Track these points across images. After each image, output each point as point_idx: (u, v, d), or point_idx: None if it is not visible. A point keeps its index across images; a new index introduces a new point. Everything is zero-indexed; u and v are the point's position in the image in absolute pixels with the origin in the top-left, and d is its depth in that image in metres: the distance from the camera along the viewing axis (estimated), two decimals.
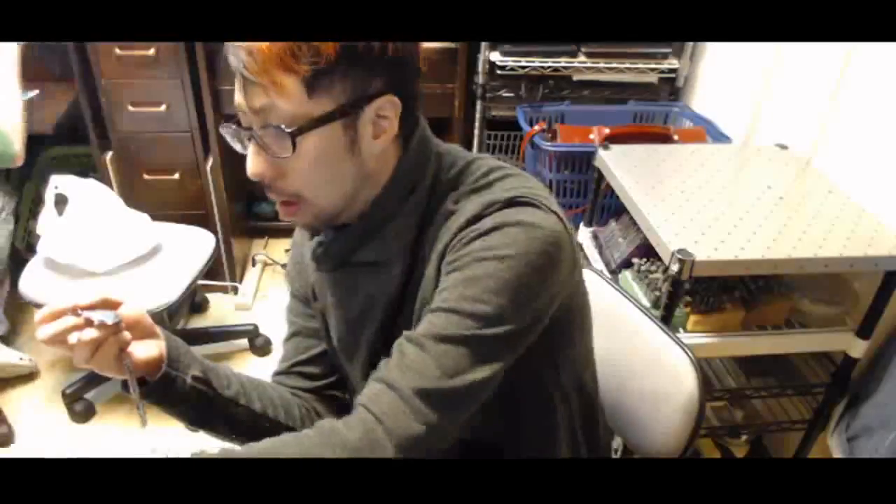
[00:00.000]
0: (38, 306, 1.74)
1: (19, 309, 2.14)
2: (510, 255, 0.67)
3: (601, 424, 0.95)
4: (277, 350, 2.14)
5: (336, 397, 0.95)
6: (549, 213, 0.71)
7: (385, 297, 0.78)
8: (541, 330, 0.73)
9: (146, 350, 0.76)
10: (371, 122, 0.70)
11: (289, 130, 0.66)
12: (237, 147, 0.74)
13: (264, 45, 0.64)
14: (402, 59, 0.69)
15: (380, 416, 0.65)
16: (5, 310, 2.02)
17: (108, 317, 0.71)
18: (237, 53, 0.66)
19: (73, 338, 0.69)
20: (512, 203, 0.70)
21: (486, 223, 0.69)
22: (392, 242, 0.76)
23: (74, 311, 0.70)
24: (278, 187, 0.72)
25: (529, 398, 0.80)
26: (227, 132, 0.73)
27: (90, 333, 0.70)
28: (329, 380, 0.94)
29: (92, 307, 0.71)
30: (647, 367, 1.00)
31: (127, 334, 0.74)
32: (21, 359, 1.98)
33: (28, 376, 2.00)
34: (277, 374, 0.95)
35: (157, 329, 0.79)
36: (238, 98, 0.68)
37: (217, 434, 0.86)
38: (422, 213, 0.75)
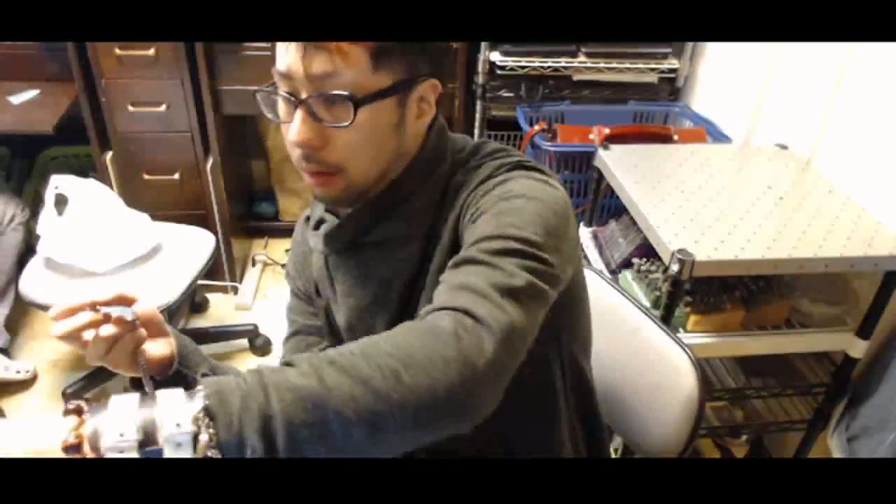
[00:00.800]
0: (38, 306, 1.76)
1: (17, 310, 2.14)
2: (534, 196, 0.69)
3: (599, 416, 0.94)
4: (277, 350, 2.14)
5: None
6: (556, 179, 0.75)
7: (401, 280, 0.79)
8: (564, 286, 0.70)
9: (159, 348, 0.76)
10: (416, 102, 0.73)
11: (357, 98, 0.66)
12: (268, 114, 0.74)
13: None
14: (446, 47, 0.74)
15: (463, 307, 0.58)
16: (9, 319, 2.01)
17: (126, 313, 0.70)
18: None
19: (88, 334, 0.68)
20: (520, 166, 0.74)
21: (501, 178, 0.72)
22: (410, 220, 0.77)
23: (92, 306, 0.69)
24: (321, 157, 0.71)
25: (534, 380, 0.79)
26: (261, 96, 0.73)
27: (109, 329, 0.69)
28: None
29: (107, 303, 0.70)
30: (647, 367, 1.00)
31: (143, 331, 0.73)
32: (18, 372, 1.97)
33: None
34: None
35: (168, 327, 0.79)
36: (292, 63, 0.67)
37: None
38: (440, 195, 0.77)
